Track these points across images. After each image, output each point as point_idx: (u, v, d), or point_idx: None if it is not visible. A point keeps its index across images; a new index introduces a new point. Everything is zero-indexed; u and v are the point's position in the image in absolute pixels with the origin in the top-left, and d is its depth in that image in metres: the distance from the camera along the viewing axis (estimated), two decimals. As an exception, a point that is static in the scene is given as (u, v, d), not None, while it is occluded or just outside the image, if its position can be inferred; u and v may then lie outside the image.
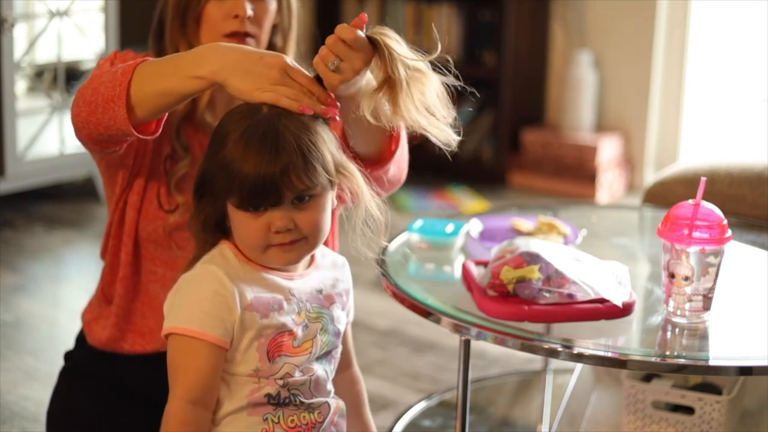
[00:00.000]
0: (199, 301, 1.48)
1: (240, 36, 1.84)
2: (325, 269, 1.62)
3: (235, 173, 1.46)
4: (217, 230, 1.55)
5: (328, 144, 1.52)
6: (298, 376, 1.53)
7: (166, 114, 1.65)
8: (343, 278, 1.64)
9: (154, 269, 1.88)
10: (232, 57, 1.54)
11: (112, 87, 1.60)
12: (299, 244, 1.51)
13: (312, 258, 1.61)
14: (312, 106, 1.52)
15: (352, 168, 1.54)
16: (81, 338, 1.99)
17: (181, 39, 1.86)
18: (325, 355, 1.59)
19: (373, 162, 1.76)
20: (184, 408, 1.47)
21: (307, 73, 1.55)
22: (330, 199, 1.53)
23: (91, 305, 1.97)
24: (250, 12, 1.84)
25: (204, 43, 1.83)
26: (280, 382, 1.52)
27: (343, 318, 1.62)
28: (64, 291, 3.54)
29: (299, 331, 1.54)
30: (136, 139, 1.66)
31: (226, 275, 1.49)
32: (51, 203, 4.33)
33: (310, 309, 1.56)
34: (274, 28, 1.92)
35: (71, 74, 4.35)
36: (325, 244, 1.64)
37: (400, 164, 1.85)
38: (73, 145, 4.23)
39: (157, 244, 1.87)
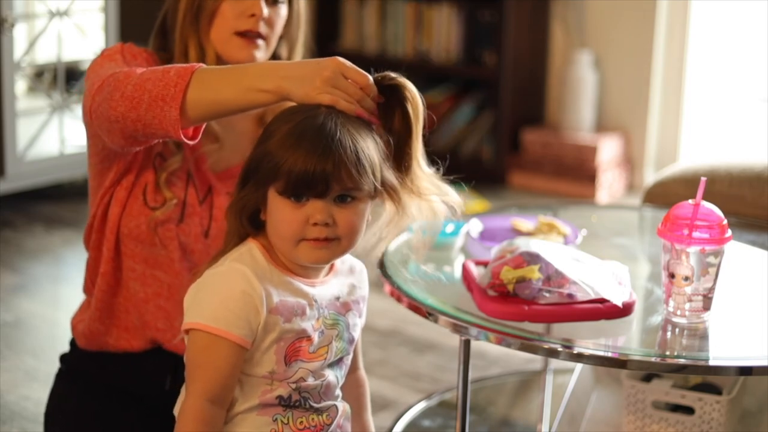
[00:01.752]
0: (225, 299, 1.48)
1: (252, 36, 1.84)
2: (344, 275, 1.61)
3: (286, 158, 1.46)
4: (250, 223, 1.54)
5: (378, 153, 1.53)
6: (310, 381, 1.54)
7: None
8: (360, 284, 1.64)
9: (133, 266, 1.87)
10: (290, 69, 1.55)
11: (164, 86, 1.59)
12: (332, 244, 1.50)
13: (332, 264, 1.60)
14: (365, 111, 1.54)
15: (396, 186, 1.55)
16: (74, 340, 1.99)
17: (191, 35, 1.85)
18: (337, 362, 1.59)
19: None
20: (202, 405, 1.47)
21: (360, 72, 1.55)
22: (368, 209, 1.53)
23: (80, 310, 1.97)
24: (266, 12, 1.84)
25: (214, 42, 1.84)
26: (293, 385, 1.52)
27: (358, 325, 1.62)
28: (64, 291, 3.54)
29: (316, 337, 1.54)
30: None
31: (254, 275, 1.49)
32: (51, 203, 4.33)
33: (327, 315, 1.56)
34: (280, 39, 1.92)
35: (71, 74, 4.35)
36: None
37: None
38: (73, 144, 4.23)
39: (137, 241, 1.85)
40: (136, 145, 1.72)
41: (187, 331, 1.50)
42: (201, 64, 1.63)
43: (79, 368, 1.96)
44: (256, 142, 1.54)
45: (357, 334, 1.63)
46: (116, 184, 1.85)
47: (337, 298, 1.58)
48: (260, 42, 1.85)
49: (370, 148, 1.51)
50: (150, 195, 1.85)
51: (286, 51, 1.94)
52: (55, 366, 2.03)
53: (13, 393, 2.73)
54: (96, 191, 1.87)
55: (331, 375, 1.57)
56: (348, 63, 1.55)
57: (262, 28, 1.84)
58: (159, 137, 1.65)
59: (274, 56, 1.92)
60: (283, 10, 1.88)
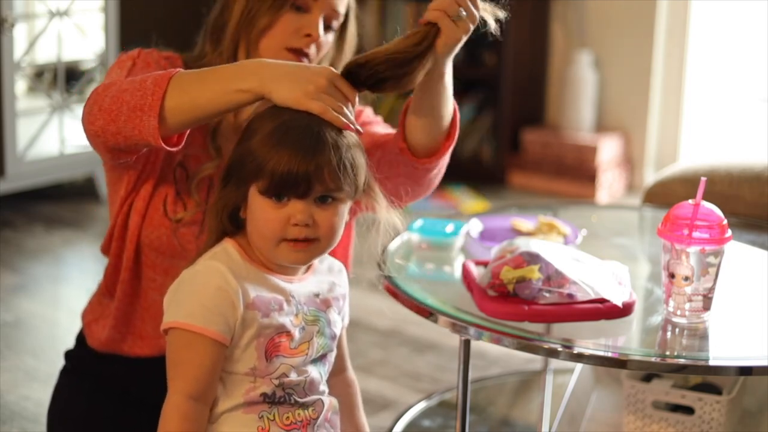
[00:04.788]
0: (201, 296, 1.48)
1: (301, 54, 1.81)
2: (322, 274, 1.62)
3: (269, 158, 1.46)
4: (231, 221, 1.55)
5: (362, 154, 1.54)
6: (293, 377, 1.54)
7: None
8: (340, 283, 1.65)
9: (153, 277, 1.86)
10: (278, 69, 1.54)
11: (142, 96, 1.57)
12: (312, 245, 1.51)
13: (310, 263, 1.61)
14: (353, 123, 1.53)
15: (376, 188, 1.57)
16: (81, 338, 1.98)
17: (242, 41, 1.82)
18: (321, 358, 1.59)
19: (426, 154, 1.79)
20: (185, 402, 1.47)
21: (350, 87, 1.55)
22: (347, 209, 1.54)
23: (91, 305, 1.96)
24: (322, 35, 1.82)
25: (262, 52, 1.81)
26: (276, 381, 1.52)
27: (338, 322, 1.63)
28: (64, 291, 3.55)
29: (296, 333, 1.54)
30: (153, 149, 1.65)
31: (230, 272, 1.49)
32: (51, 203, 4.33)
33: (307, 312, 1.56)
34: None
35: (71, 74, 4.35)
36: (335, 254, 1.67)
37: (443, 168, 1.87)
38: (73, 145, 4.23)
39: (158, 252, 1.85)
40: (122, 156, 1.70)
41: (166, 331, 1.50)
42: (179, 70, 1.61)
43: (85, 367, 1.95)
44: (238, 139, 1.54)
45: (338, 330, 1.63)
46: (134, 193, 1.83)
47: (317, 295, 1.59)
48: (304, 60, 1.82)
49: (354, 149, 1.52)
50: (170, 206, 1.83)
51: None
52: (56, 366, 2.03)
53: (13, 393, 2.73)
54: (114, 199, 1.86)
55: (314, 371, 1.57)
56: (339, 74, 1.55)
57: (312, 50, 1.82)
58: (142, 147, 1.64)
59: None
60: (331, 37, 1.86)
